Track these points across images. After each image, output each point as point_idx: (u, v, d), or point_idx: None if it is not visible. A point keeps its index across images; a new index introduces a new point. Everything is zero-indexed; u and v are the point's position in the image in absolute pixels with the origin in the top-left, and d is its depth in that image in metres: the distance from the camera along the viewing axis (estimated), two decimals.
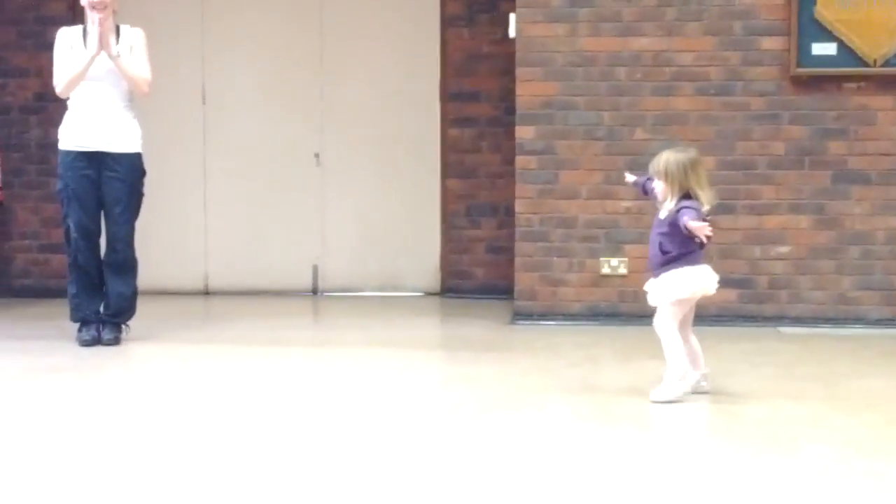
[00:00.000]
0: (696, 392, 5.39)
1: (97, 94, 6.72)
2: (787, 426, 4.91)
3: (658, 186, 5.37)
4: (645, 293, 5.48)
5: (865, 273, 7.54)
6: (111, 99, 6.74)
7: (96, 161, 6.74)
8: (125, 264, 6.89)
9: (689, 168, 5.30)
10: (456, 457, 4.40)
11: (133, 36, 6.86)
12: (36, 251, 9.14)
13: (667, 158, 5.35)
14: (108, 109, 6.74)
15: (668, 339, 5.33)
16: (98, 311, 6.91)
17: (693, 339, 5.46)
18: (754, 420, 5.03)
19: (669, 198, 5.32)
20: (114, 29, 6.76)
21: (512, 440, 4.65)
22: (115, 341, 6.81)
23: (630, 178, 5.86)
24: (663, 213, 5.34)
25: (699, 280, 5.34)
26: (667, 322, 5.33)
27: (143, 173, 6.92)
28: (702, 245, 5.30)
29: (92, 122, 6.75)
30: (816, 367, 6.29)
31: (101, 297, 6.93)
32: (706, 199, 5.30)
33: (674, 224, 5.26)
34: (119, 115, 6.76)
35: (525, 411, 5.15)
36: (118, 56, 6.66)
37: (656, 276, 5.39)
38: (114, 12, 6.78)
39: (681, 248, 5.29)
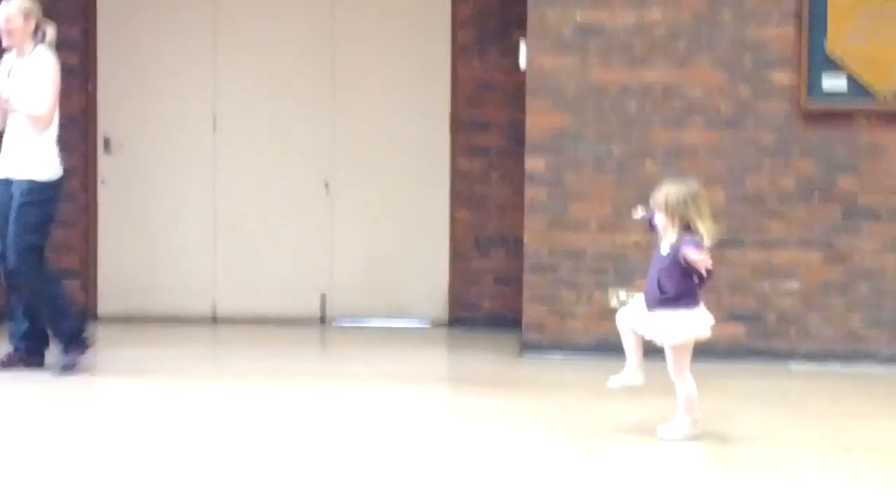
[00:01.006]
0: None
1: (13, 123, 6.94)
2: (796, 464, 4.88)
3: (659, 220, 5.29)
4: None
5: (875, 309, 7.50)
6: (22, 127, 6.90)
7: (8, 185, 6.92)
8: (15, 277, 6.90)
9: (689, 201, 5.21)
10: (460, 492, 4.38)
11: (38, 63, 6.93)
12: None
13: (667, 191, 5.26)
14: (18, 137, 6.92)
15: (680, 382, 5.29)
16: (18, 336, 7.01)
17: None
18: (763, 458, 5.00)
19: (670, 231, 5.23)
20: (28, 51, 6.94)
21: (517, 477, 4.62)
22: (65, 369, 6.78)
23: (638, 213, 5.79)
24: (665, 249, 5.26)
25: (693, 325, 5.27)
26: (677, 366, 5.29)
27: (48, 197, 7.00)
28: (700, 284, 5.23)
29: (5, 150, 7.00)
30: (826, 405, 6.26)
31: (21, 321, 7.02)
32: (708, 232, 5.20)
33: (674, 261, 5.18)
34: (26, 143, 6.90)
35: (532, 447, 5.12)
36: (7, 99, 6.82)
37: (650, 310, 5.31)
38: (34, 31, 6.96)
39: (678, 288, 5.20)
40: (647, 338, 5.35)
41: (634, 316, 5.36)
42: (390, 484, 4.52)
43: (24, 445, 5.13)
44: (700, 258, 5.06)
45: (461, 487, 4.50)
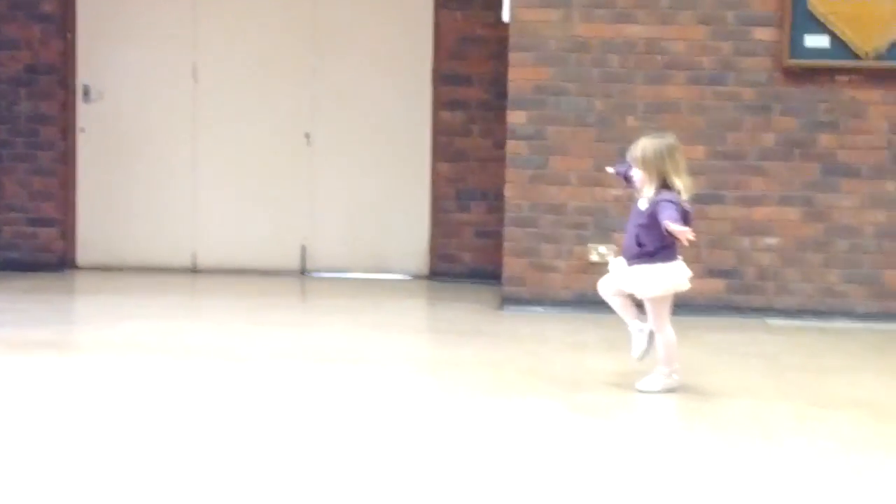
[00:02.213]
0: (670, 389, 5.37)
1: None
2: (772, 419, 4.93)
3: (636, 174, 5.28)
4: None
5: (853, 266, 7.56)
6: None
7: None
8: None
9: (666, 155, 5.20)
10: (440, 441, 4.41)
11: None
12: (23, 224, 9.09)
13: (644, 145, 5.25)
14: None
15: (660, 333, 5.32)
16: None
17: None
18: (739, 412, 5.05)
19: (647, 186, 5.23)
20: None
21: (496, 426, 4.66)
22: None
23: (610, 169, 5.77)
24: (643, 204, 5.26)
25: (672, 277, 5.29)
26: (657, 318, 5.32)
27: None
28: (676, 240, 5.25)
29: None
30: (803, 360, 6.32)
31: None
32: (685, 187, 5.20)
33: (653, 216, 5.18)
34: None
35: (510, 398, 5.16)
36: None
37: (629, 264, 5.34)
38: None
39: (656, 244, 5.22)
40: (627, 291, 5.37)
41: (614, 276, 5.39)
42: (369, 436, 4.55)
43: None
44: (682, 230, 5.05)
45: (440, 439, 4.53)
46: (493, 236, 8.58)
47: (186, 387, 5.30)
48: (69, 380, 5.43)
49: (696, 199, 7.50)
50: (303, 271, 9.21)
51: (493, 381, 5.50)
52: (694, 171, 7.50)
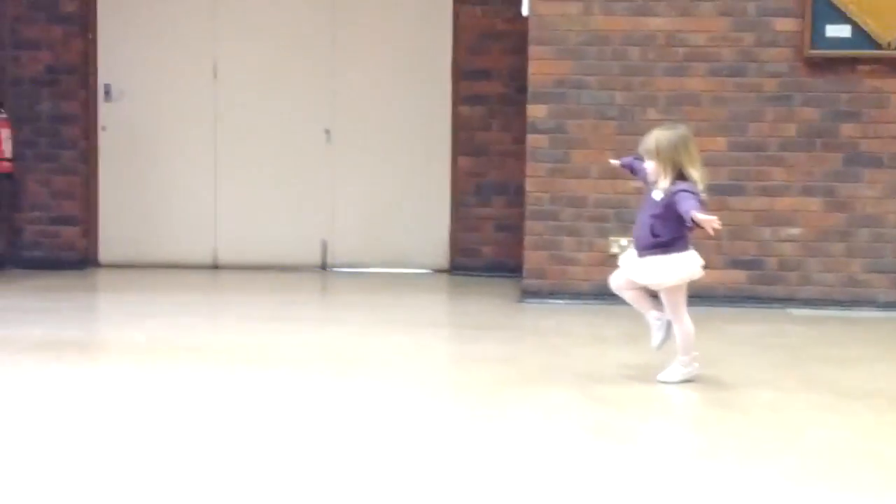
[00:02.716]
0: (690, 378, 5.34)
1: None
2: (795, 409, 4.90)
3: (649, 166, 5.22)
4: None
5: (875, 256, 7.53)
6: None
7: None
8: None
9: (681, 146, 5.16)
10: (460, 437, 4.41)
11: None
12: (46, 223, 9.15)
13: (658, 136, 5.21)
14: None
15: (678, 323, 5.31)
16: None
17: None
18: (761, 403, 5.02)
19: (662, 177, 5.18)
20: None
21: (517, 421, 4.65)
22: None
23: (615, 161, 5.74)
24: (657, 195, 5.22)
25: (685, 267, 5.25)
26: (674, 309, 5.30)
27: None
28: (691, 228, 5.23)
29: None
30: (825, 350, 6.29)
31: None
32: (699, 177, 5.18)
33: (669, 207, 5.14)
34: None
35: (531, 391, 5.15)
36: None
37: (641, 256, 5.30)
38: None
39: (672, 234, 5.18)
40: (641, 283, 5.33)
41: (625, 270, 5.36)
42: (389, 431, 4.55)
43: (21, 387, 5.16)
44: (709, 219, 5.01)
45: (461, 433, 4.53)
46: (513, 230, 8.59)
47: (208, 384, 5.32)
48: (93, 378, 5.46)
49: (718, 190, 7.54)
50: (323, 266, 9.23)
51: (513, 375, 5.49)
52: (715, 163, 7.56)
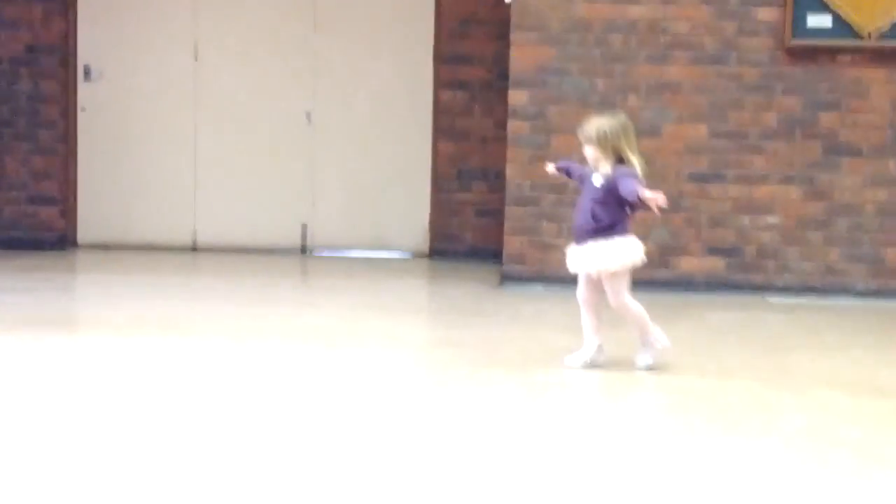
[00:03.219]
0: (593, 366, 5.32)
1: None
2: (773, 397, 4.94)
3: (588, 153, 5.26)
4: None
5: (853, 244, 7.57)
6: None
7: None
8: None
9: (620, 132, 5.20)
10: (437, 420, 4.42)
11: None
12: (24, 203, 9.10)
13: (598, 123, 5.25)
14: None
15: (624, 310, 5.29)
16: None
17: (599, 310, 5.37)
18: (739, 390, 5.06)
19: (602, 163, 5.22)
20: None
21: (494, 404, 4.67)
22: None
23: (550, 167, 5.69)
24: (597, 180, 5.23)
25: (628, 252, 5.26)
26: (616, 295, 5.26)
27: None
28: (631, 213, 5.25)
29: None
30: (803, 338, 6.33)
31: None
32: (639, 163, 5.19)
33: (609, 192, 5.16)
34: None
35: (510, 377, 5.16)
36: None
37: (580, 244, 5.29)
38: None
39: (613, 219, 5.20)
40: (583, 271, 5.30)
41: (571, 266, 5.34)
42: (366, 416, 4.56)
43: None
44: (654, 196, 5.03)
45: (438, 417, 4.54)
46: (493, 215, 8.60)
47: (186, 366, 5.31)
48: (71, 358, 5.45)
49: (698, 177, 7.59)
50: (303, 250, 9.23)
51: (490, 360, 5.50)
52: (696, 151, 7.60)
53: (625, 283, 5.30)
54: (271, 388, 4.84)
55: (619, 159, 5.21)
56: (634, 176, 5.13)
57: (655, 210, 5.13)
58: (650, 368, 5.30)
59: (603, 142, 5.20)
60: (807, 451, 4.09)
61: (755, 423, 4.46)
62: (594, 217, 5.22)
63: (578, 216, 5.32)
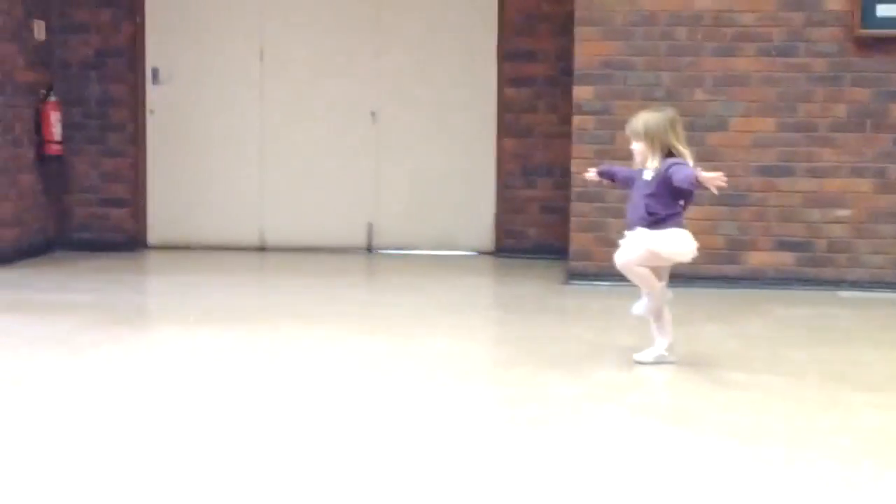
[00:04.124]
0: (663, 362, 5.27)
1: None
2: (846, 393, 4.87)
3: (636, 147, 5.23)
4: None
5: None
6: None
7: None
8: None
9: (668, 126, 5.17)
10: (503, 418, 4.42)
11: None
12: (95, 205, 9.23)
13: (645, 118, 5.23)
14: None
15: (630, 272, 5.24)
16: None
17: (666, 309, 5.31)
18: (812, 385, 4.99)
19: (650, 158, 5.18)
20: None
21: (561, 400, 4.65)
22: None
23: (591, 172, 5.65)
24: (648, 175, 5.19)
25: (679, 242, 5.19)
26: (636, 261, 5.19)
27: None
28: (685, 206, 5.20)
29: None
30: (875, 333, 6.24)
31: None
32: (688, 155, 5.15)
33: (662, 184, 5.12)
34: None
35: (579, 373, 5.14)
36: None
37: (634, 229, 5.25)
38: None
39: (668, 210, 5.17)
40: (632, 246, 5.24)
41: (625, 247, 5.30)
42: (432, 410, 4.57)
43: (73, 365, 5.23)
44: (713, 175, 4.98)
45: (504, 413, 4.54)
46: (558, 212, 8.57)
47: (255, 360, 5.36)
48: (142, 357, 5.52)
49: (766, 171, 7.50)
50: (369, 248, 9.26)
51: (558, 356, 5.48)
52: (764, 144, 7.51)
53: (651, 264, 5.20)
54: (334, 382, 4.86)
55: (668, 154, 5.18)
56: (685, 164, 5.09)
57: (714, 190, 5.08)
58: (644, 362, 5.24)
59: (651, 136, 5.18)
60: (879, 450, 4.02)
61: (827, 422, 4.39)
62: (648, 211, 5.18)
63: (631, 211, 5.31)
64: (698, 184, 5.03)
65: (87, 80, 9.15)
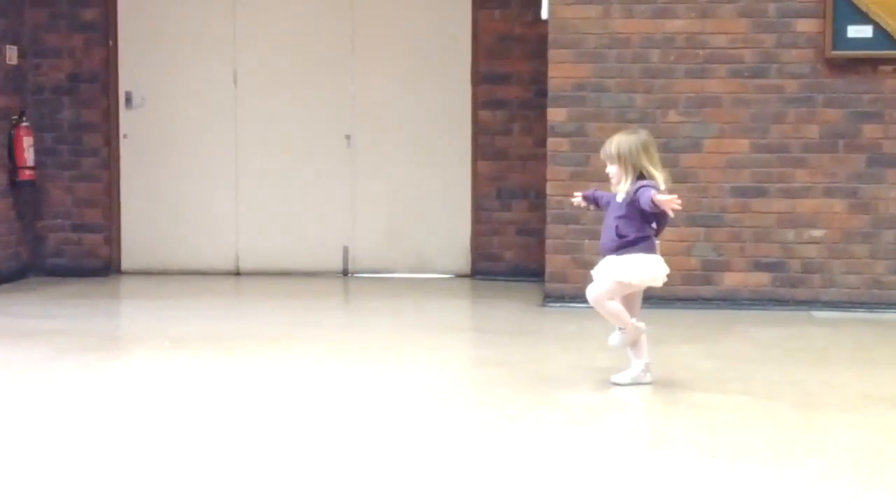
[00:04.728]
0: (640, 384, 5.28)
1: None
2: (822, 413, 4.88)
3: (611, 170, 5.29)
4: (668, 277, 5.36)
5: None
6: None
7: None
8: None
9: (641, 149, 5.22)
10: (479, 440, 4.40)
11: None
12: (69, 230, 9.18)
13: (618, 141, 5.27)
14: None
15: (600, 307, 5.25)
16: None
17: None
18: (788, 405, 5.00)
19: (623, 180, 5.22)
20: None
21: (539, 424, 4.64)
22: None
23: (577, 198, 5.67)
24: (620, 197, 5.24)
25: (651, 268, 5.23)
26: (604, 295, 5.23)
27: None
28: (657, 230, 5.23)
29: None
30: (850, 353, 6.26)
31: None
32: (661, 179, 5.20)
33: (631, 205, 5.16)
34: None
35: (555, 396, 5.14)
36: None
37: (606, 255, 5.29)
38: None
39: (638, 233, 5.19)
40: (601, 277, 5.25)
41: (597, 277, 5.31)
42: (409, 434, 4.55)
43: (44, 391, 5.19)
44: (669, 197, 5.03)
45: (483, 435, 4.53)
46: (534, 234, 8.57)
47: (229, 383, 5.33)
48: (118, 381, 5.48)
49: (741, 192, 7.54)
50: (345, 272, 9.24)
51: (536, 378, 5.48)
52: (738, 165, 7.55)
53: (620, 295, 5.23)
54: (312, 405, 4.84)
55: (640, 176, 5.21)
56: (653, 186, 5.12)
57: (670, 213, 5.10)
58: (618, 383, 5.25)
59: (623, 159, 5.22)
60: (855, 470, 4.03)
61: (803, 442, 4.40)
62: (618, 233, 5.22)
63: (603, 234, 5.36)
64: (654, 206, 5.06)
65: (59, 105, 9.12)
